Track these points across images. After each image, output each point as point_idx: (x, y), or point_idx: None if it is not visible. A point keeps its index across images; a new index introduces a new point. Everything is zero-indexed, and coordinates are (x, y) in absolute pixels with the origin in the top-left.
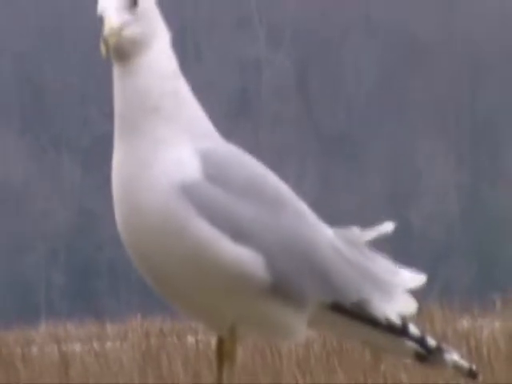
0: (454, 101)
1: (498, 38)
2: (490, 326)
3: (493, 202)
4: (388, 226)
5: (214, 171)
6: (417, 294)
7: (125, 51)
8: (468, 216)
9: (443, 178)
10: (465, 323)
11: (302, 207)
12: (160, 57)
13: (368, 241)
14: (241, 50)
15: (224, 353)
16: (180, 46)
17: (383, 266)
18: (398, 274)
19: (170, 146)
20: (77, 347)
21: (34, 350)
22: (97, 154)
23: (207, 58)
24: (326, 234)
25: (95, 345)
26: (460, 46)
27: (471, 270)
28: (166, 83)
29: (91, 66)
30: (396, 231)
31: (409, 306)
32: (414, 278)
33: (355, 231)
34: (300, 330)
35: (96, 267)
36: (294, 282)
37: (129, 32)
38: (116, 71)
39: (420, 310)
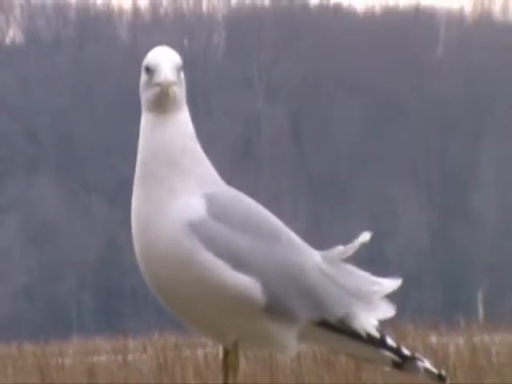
0: (425, 151)
1: (462, 98)
2: (454, 342)
3: (457, 238)
4: (365, 236)
5: (217, 210)
6: (391, 316)
7: (168, 104)
8: (436, 249)
9: (416, 217)
10: (433, 339)
11: (294, 238)
12: (186, 119)
13: (350, 257)
14: (243, 106)
15: (228, 363)
16: (193, 102)
17: (363, 278)
18: (376, 283)
19: (182, 194)
20: (103, 358)
21: (67, 360)
22: (120, 194)
23: (215, 113)
24: (313, 259)
25: (119, 357)
26: (430, 105)
27: (438, 295)
28: (187, 142)
29: (115, 120)
30: (375, 261)
31: (388, 311)
32: (390, 284)
33: (340, 248)
34: (292, 344)
35: (120, 291)
36: (286, 303)
37: (175, 90)
38: (148, 122)
39: (395, 328)
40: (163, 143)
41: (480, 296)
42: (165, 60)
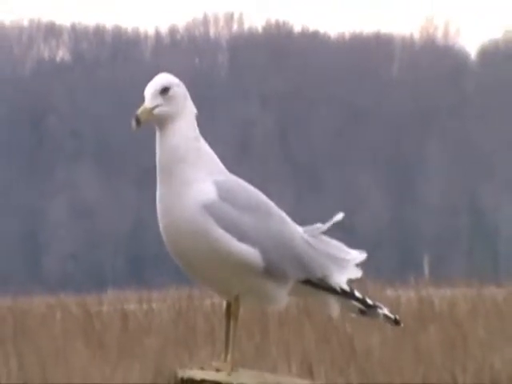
0: (384, 148)
1: (412, 106)
2: (405, 295)
3: (409, 215)
4: (339, 216)
5: (225, 194)
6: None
7: (160, 122)
8: (393, 224)
9: (377, 199)
10: (389, 292)
11: (283, 215)
12: (185, 126)
13: (328, 230)
14: (241, 113)
15: (230, 312)
16: (201, 110)
17: (338, 248)
18: (348, 253)
19: (195, 183)
20: (132, 307)
21: (104, 308)
22: (146, 179)
23: (219, 118)
24: (299, 231)
25: (144, 305)
26: (387, 111)
27: (394, 259)
28: (189, 143)
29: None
30: (346, 233)
31: (356, 273)
32: (358, 255)
33: (319, 225)
34: (284, 298)
35: (146, 254)
36: (279, 266)
37: (159, 111)
38: (157, 133)
39: (360, 283)
40: (170, 147)
41: (426, 259)
42: (148, 91)
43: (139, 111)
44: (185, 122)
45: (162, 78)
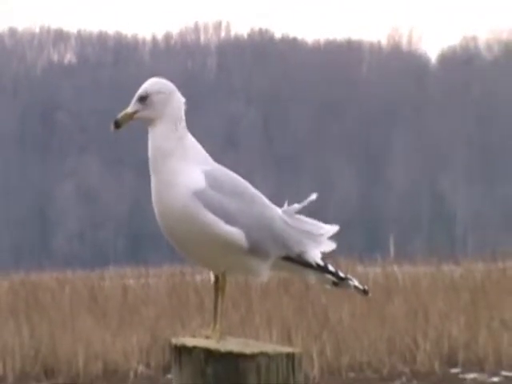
0: (355, 138)
1: (380, 101)
2: (373, 271)
3: (376, 198)
4: (313, 196)
5: (213, 182)
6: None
7: (144, 124)
8: (362, 206)
9: (348, 184)
10: (359, 268)
11: (265, 200)
12: (164, 128)
13: (302, 208)
14: (228, 108)
15: (218, 286)
16: (193, 106)
17: (313, 224)
18: (322, 227)
19: (185, 173)
20: (131, 282)
21: (107, 283)
22: (144, 167)
23: (209, 113)
24: (278, 213)
25: (142, 280)
26: (358, 106)
27: (363, 238)
28: (170, 143)
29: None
30: (319, 213)
31: (330, 246)
32: (331, 228)
33: (295, 205)
34: (266, 272)
35: (144, 236)
36: (262, 245)
37: (138, 115)
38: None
39: (333, 260)
40: (154, 147)
41: (391, 239)
42: (135, 97)
43: (120, 115)
44: (165, 126)
45: (144, 87)
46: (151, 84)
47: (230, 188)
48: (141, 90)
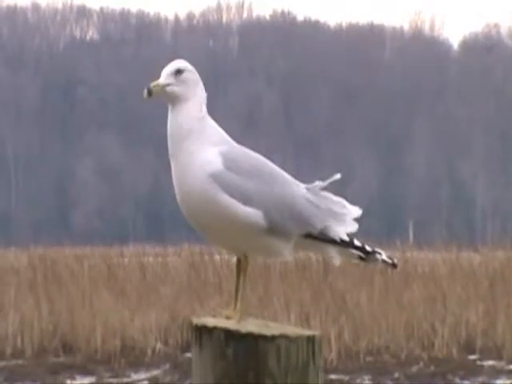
0: (376, 125)
1: (402, 87)
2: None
3: (397, 185)
4: (337, 176)
5: (230, 163)
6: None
7: (170, 100)
8: (382, 193)
9: (368, 171)
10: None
11: (286, 177)
12: (192, 108)
13: (326, 186)
14: (250, 88)
15: (240, 267)
16: (215, 85)
17: (337, 203)
18: (346, 207)
19: (202, 154)
20: (150, 259)
21: (126, 259)
22: (164, 147)
23: (230, 92)
24: (300, 191)
25: (161, 259)
26: (380, 92)
27: (383, 224)
28: (192, 122)
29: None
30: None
31: (353, 226)
32: (355, 210)
33: (319, 182)
34: (289, 252)
35: (163, 215)
36: (282, 225)
37: (170, 89)
38: (169, 110)
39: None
40: (176, 124)
41: (411, 225)
42: (164, 71)
43: (152, 84)
44: (192, 105)
45: (179, 62)
46: (184, 62)
47: (247, 168)
48: (176, 65)
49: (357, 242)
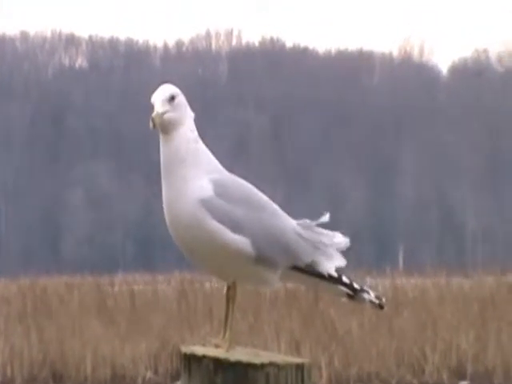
0: (364, 149)
1: (391, 112)
2: (382, 283)
3: (386, 210)
4: (326, 217)
5: (220, 190)
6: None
7: (166, 127)
8: (371, 218)
9: (357, 195)
10: (367, 280)
11: (276, 209)
12: (186, 131)
13: (316, 224)
14: (239, 115)
15: (229, 296)
16: (203, 112)
17: (325, 235)
18: (334, 237)
19: (193, 180)
20: (140, 287)
21: (115, 288)
22: (153, 173)
23: (219, 119)
24: (290, 223)
25: (151, 286)
26: (368, 116)
27: (372, 250)
28: (189, 146)
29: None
30: (329, 225)
31: (342, 261)
32: (344, 241)
33: (307, 221)
34: (275, 282)
35: (153, 242)
36: (270, 255)
37: (167, 116)
38: (161, 138)
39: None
40: (172, 150)
41: (400, 250)
42: (156, 97)
43: (153, 115)
44: (186, 127)
45: (169, 88)
46: (173, 87)
47: (237, 196)
48: (169, 91)
49: (345, 279)
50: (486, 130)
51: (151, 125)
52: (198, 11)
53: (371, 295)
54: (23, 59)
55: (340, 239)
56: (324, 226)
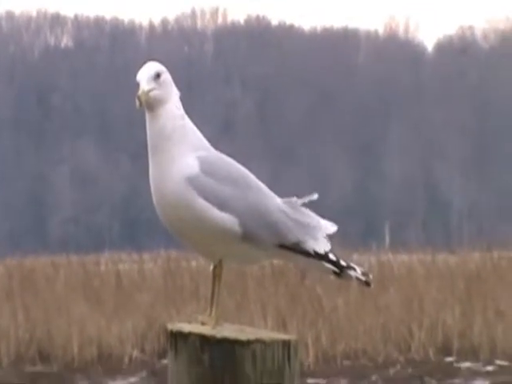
0: (350, 128)
1: (376, 91)
2: (368, 260)
3: (372, 188)
4: (314, 196)
5: (207, 168)
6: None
7: (152, 105)
8: (357, 196)
9: (344, 173)
10: (354, 257)
11: (262, 186)
12: (172, 108)
13: (302, 203)
14: (224, 94)
15: (216, 274)
16: (189, 91)
17: (312, 218)
18: (320, 223)
19: (180, 158)
20: (126, 266)
21: (101, 267)
22: (140, 153)
23: (205, 99)
24: (276, 202)
25: (137, 265)
26: (354, 95)
27: (358, 227)
28: (175, 122)
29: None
30: (316, 203)
31: (326, 245)
32: (330, 227)
33: (294, 199)
34: (261, 260)
35: (140, 221)
36: (256, 233)
37: (153, 94)
38: (147, 116)
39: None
40: (158, 127)
41: (387, 228)
42: (142, 75)
43: (139, 93)
44: (172, 104)
45: (154, 66)
46: (158, 65)
47: (224, 174)
48: (154, 69)
49: (332, 256)
50: (471, 108)
51: (137, 103)
52: None
53: (358, 272)
54: (8, 39)
55: (327, 224)
56: (311, 204)
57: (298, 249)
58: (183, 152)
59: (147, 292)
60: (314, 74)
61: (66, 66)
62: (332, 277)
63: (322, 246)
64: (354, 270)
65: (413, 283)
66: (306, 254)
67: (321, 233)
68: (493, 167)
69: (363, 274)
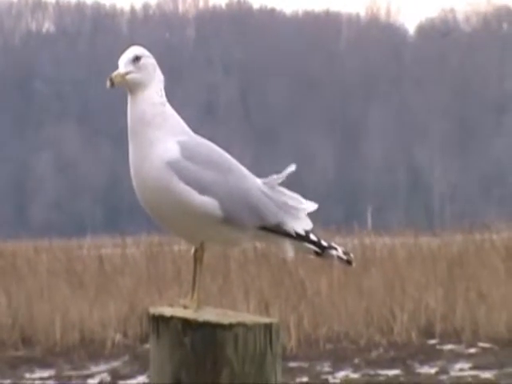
0: (333, 112)
1: (357, 74)
2: (351, 241)
3: (354, 171)
4: (292, 167)
5: (187, 153)
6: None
7: (130, 88)
8: (340, 178)
9: (326, 157)
10: (337, 239)
11: (243, 170)
12: (152, 93)
13: (282, 181)
14: (207, 79)
15: (197, 257)
16: (171, 76)
17: (293, 198)
18: (301, 203)
19: (160, 143)
20: (108, 251)
21: (84, 252)
22: (121, 138)
23: (187, 83)
24: (256, 183)
25: (119, 250)
26: (336, 79)
27: (340, 209)
28: (155, 108)
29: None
30: (298, 186)
31: (308, 224)
32: (311, 206)
33: (275, 176)
34: (243, 242)
35: (121, 206)
36: (237, 216)
37: (130, 77)
38: (128, 99)
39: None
40: (138, 112)
41: (369, 211)
42: (121, 60)
43: (113, 74)
44: (153, 89)
45: (135, 49)
46: (141, 48)
47: (204, 158)
48: (133, 52)
49: (313, 237)
50: (453, 91)
51: (108, 83)
52: None
53: (339, 251)
54: None
55: (307, 204)
56: (293, 186)
57: (279, 230)
58: (163, 137)
59: (129, 276)
60: (296, 58)
61: (48, 52)
62: (313, 256)
63: (304, 225)
64: (336, 249)
65: (395, 266)
66: (288, 235)
67: (302, 212)
68: (474, 150)
69: (344, 253)
